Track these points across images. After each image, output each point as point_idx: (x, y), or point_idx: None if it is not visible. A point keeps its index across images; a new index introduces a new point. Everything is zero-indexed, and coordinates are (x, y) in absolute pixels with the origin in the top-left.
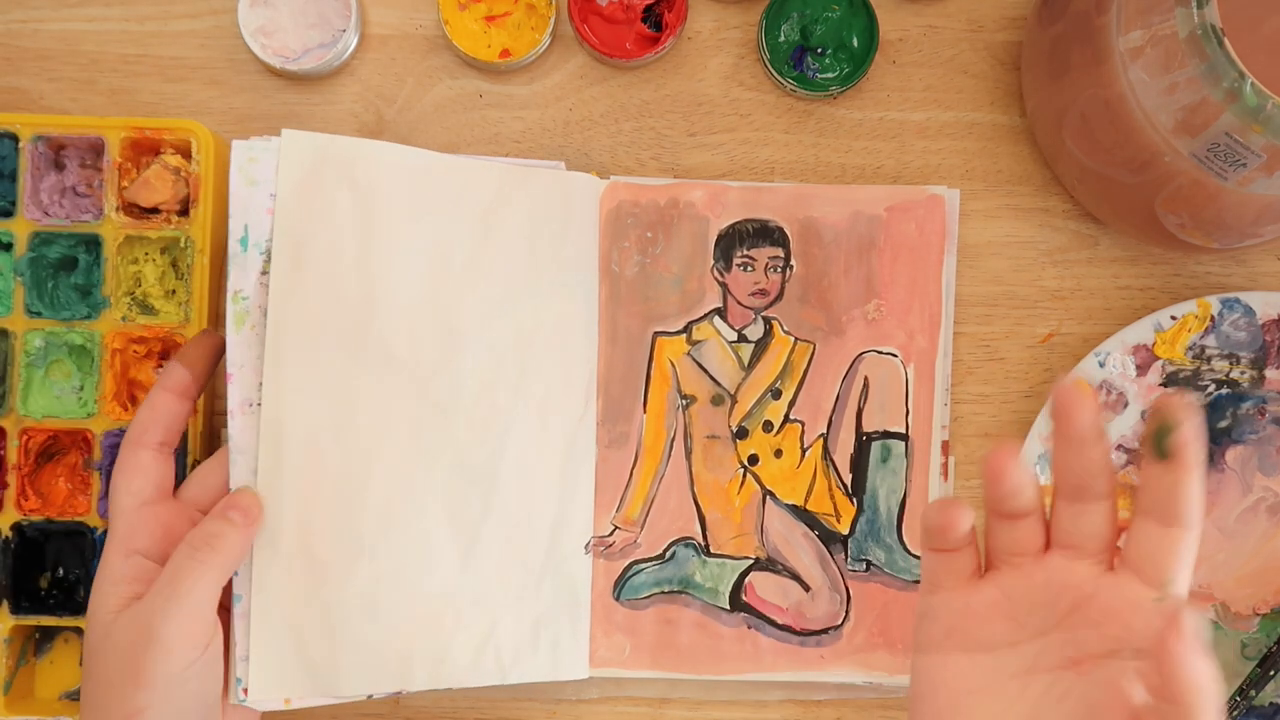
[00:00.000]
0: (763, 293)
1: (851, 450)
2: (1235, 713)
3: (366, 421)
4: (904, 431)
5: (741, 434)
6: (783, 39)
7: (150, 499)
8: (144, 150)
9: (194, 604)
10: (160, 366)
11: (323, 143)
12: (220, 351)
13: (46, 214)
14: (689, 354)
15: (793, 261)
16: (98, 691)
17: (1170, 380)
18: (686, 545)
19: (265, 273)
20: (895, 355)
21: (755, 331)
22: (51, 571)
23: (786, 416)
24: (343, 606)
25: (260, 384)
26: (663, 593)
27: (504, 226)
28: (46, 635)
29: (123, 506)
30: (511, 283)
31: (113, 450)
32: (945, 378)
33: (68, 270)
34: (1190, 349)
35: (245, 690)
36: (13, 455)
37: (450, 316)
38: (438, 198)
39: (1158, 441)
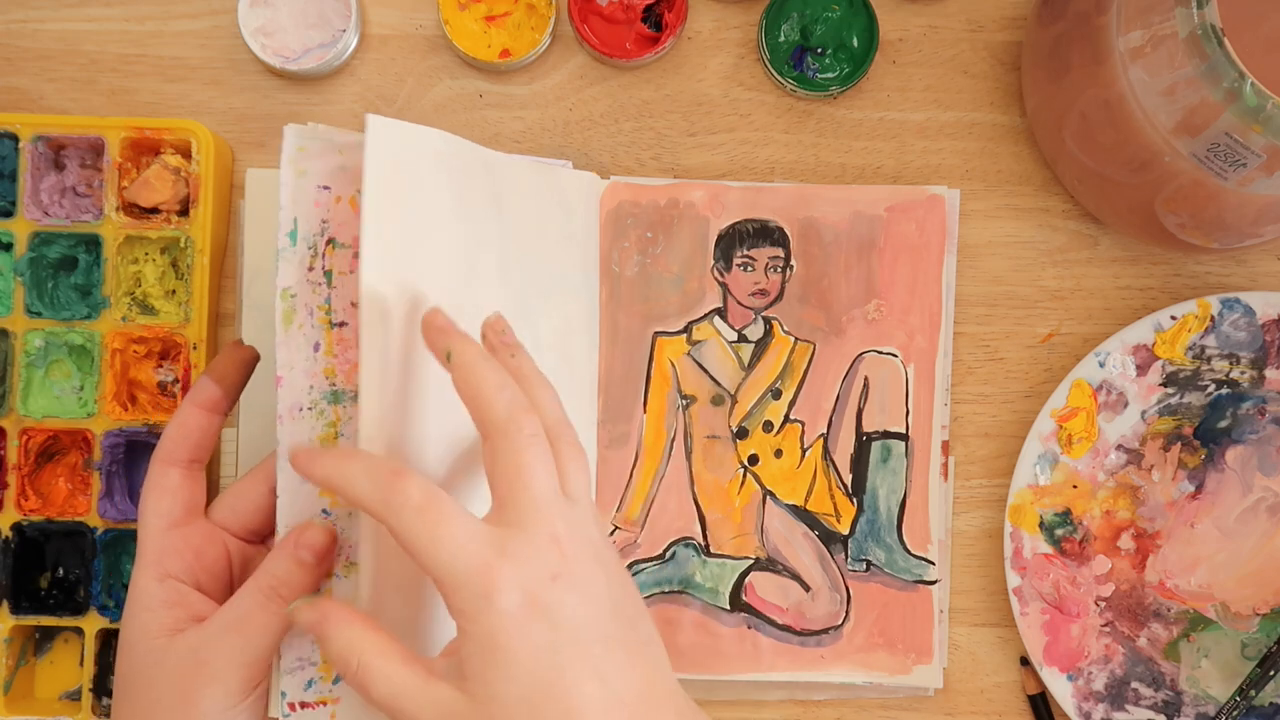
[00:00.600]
0: (763, 293)
1: (851, 450)
2: (1235, 713)
3: (428, 428)
4: (904, 431)
5: (741, 434)
6: (783, 39)
7: (179, 520)
8: (144, 150)
9: (259, 649)
10: (160, 366)
11: (405, 131)
12: (252, 365)
13: (46, 214)
14: (689, 354)
15: (793, 261)
16: (138, 715)
17: (1170, 380)
18: (686, 545)
19: (311, 269)
20: (895, 355)
21: (755, 331)
22: (51, 571)
23: (786, 416)
24: (389, 619)
25: (310, 386)
26: (663, 593)
27: (519, 225)
28: (46, 635)
29: (151, 528)
30: (523, 282)
31: (113, 450)
32: (945, 378)
33: (68, 270)
34: (1190, 349)
35: (291, 706)
36: (13, 455)
37: (482, 314)
38: (479, 194)
39: None
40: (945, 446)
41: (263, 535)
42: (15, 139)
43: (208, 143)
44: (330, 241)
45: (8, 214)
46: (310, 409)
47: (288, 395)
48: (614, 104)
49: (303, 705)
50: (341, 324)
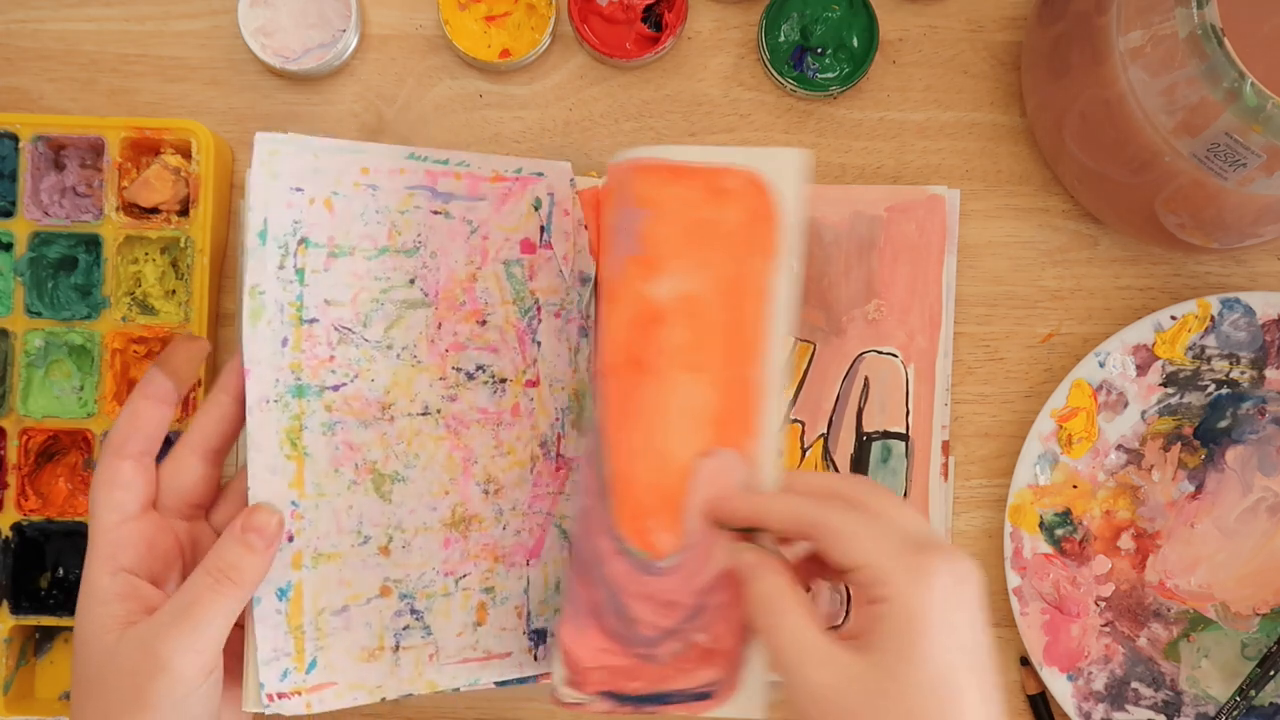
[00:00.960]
0: None
1: (852, 450)
2: (1235, 713)
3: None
4: (904, 431)
5: None
6: (783, 39)
7: (132, 513)
8: (144, 150)
9: (209, 635)
10: None
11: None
12: (203, 357)
13: (46, 214)
14: None
15: None
16: (95, 712)
17: (1170, 380)
18: None
19: (282, 267)
20: (895, 355)
21: None
22: (51, 571)
23: (786, 416)
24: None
25: (276, 380)
26: None
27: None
28: (46, 635)
29: (104, 522)
30: None
31: None
32: (945, 378)
33: (68, 270)
34: (1190, 349)
35: (270, 696)
36: (13, 455)
37: None
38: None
39: None
40: (945, 446)
41: (204, 507)
42: (15, 139)
43: (208, 143)
44: (303, 241)
45: (8, 214)
46: (275, 401)
47: (255, 388)
48: (614, 104)
49: (279, 695)
50: (312, 320)
